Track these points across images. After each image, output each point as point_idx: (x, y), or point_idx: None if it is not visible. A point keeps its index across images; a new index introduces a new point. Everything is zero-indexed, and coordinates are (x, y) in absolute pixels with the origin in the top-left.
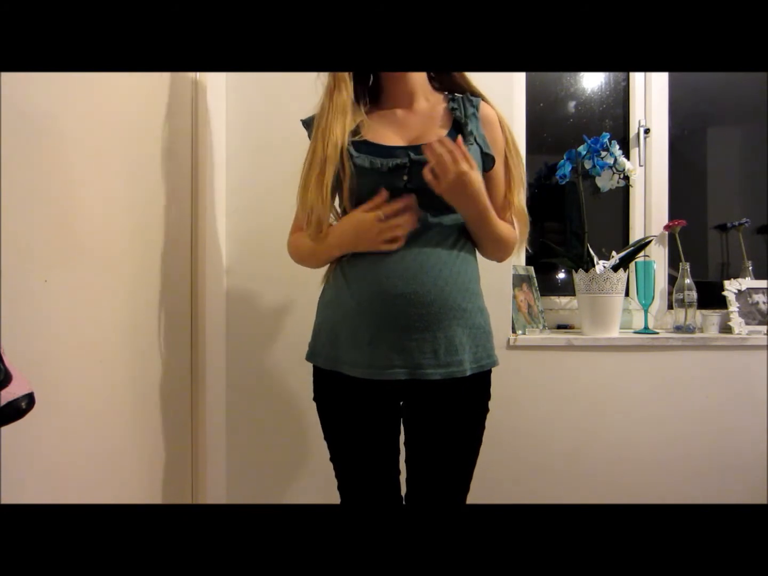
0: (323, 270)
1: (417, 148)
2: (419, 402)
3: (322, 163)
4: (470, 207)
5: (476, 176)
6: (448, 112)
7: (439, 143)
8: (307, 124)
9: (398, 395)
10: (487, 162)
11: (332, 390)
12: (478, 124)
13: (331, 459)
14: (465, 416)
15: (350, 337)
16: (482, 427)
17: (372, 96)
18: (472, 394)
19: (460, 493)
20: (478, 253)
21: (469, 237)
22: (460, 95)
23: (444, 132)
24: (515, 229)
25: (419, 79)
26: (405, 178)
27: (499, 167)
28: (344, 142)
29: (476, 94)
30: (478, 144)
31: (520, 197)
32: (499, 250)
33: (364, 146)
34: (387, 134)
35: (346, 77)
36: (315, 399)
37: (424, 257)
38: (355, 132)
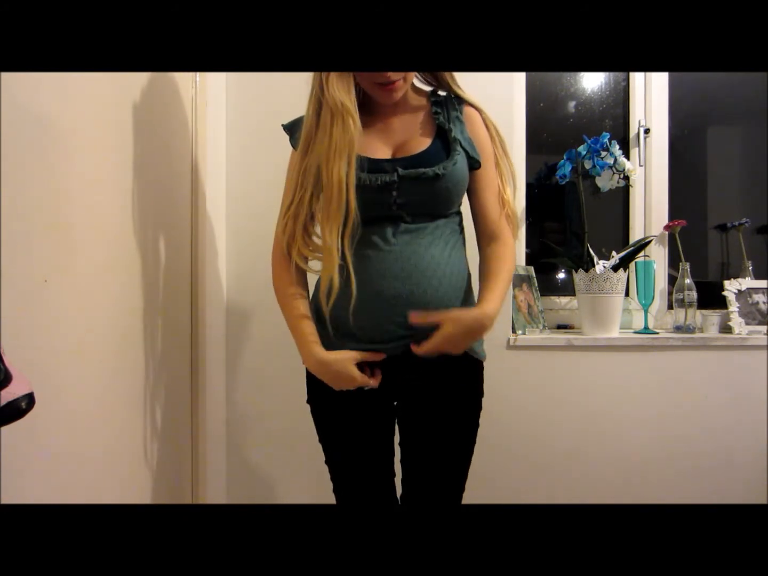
0: None
1: (404, 162)
2: (412, 401)
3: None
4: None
5: (464, 330)
6: (431, 117)
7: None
8: (291, 130)
9: (392, 395)
10: (473, 165)
11: (325, 392)
12: (463, 127)
13: (326, 462)
14: (459, 413)
15: (344, 338)
16: (476, 425)
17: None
18: (465, 391)
19: (455, 491)
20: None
21: (460, 236)
22: (443, 95)
23: (428, 141)
24: (508, 227)
25: None
26: (394, 194)
27: (489, 166)
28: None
29: (459, 96)
30: (464, 149)
31: (511, 195)
32: None
33: None
34: (372, 143)
35: (352, 110)
36: (309, 401)
37: (418, 258)
38: None
